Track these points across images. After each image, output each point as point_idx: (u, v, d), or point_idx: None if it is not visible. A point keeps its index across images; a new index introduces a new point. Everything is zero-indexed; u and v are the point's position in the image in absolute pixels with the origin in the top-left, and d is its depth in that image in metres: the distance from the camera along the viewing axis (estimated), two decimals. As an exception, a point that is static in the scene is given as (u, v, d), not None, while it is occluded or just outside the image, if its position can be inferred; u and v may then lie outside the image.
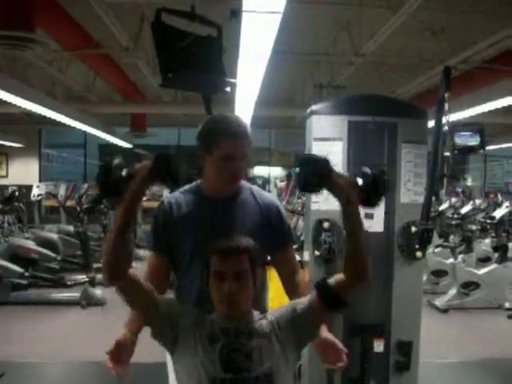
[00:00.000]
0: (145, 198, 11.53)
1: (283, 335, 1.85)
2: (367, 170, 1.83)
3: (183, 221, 2.13)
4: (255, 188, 2.28)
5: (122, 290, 1.79)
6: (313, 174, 1.73)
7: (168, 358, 2.02)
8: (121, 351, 2.05)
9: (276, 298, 2.43)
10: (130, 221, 1.75)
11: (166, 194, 10.07)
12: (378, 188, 1.80)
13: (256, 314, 1.90)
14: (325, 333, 2.06)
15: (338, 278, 1.83)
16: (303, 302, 1.89)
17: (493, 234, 8.44)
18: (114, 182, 1.71)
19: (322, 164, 1.73)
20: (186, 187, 2.24)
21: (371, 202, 1.82)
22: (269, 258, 2.27)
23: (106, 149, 16.15)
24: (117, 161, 1.74)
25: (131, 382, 4.36)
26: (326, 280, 1.85)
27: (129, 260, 1.78)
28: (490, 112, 7.90)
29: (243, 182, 2.24)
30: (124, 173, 1.72)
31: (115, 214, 1.99)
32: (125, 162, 1.75)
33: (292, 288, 2.21)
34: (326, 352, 2.04)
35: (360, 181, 1.79)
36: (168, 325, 1.83)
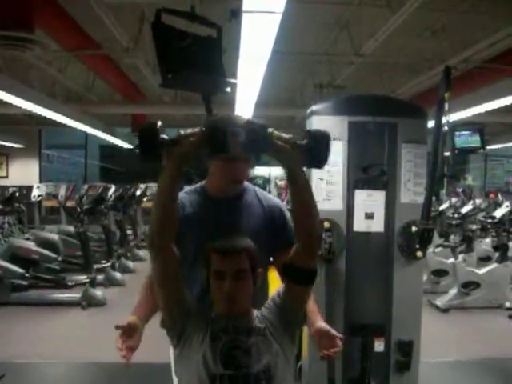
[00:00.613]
0: (145, 199, 11.58)
1: (276, 329, 1.87)
2: (311, 129, 1.83)
3: (187, 221, 2.13)
4: (259, 190, 2.29)
5: (163, 262, 1.80)
6: (253, 142, 1.69)
7: (172, 359, 2.02)
8: (131, 333, 2.02)
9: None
10: (175, 189, 1.76)
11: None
12: (322, 148, 1.77)
13: (255, 312, 1.92)
14: (320, 322, 2.08)
15: (293, 252, 1.84)
16: (279, 292, 1.91)
17: (493, 234, 8.44)
18: (157, 144, 1.68)
19: (260, 129, 1.71)
20: (191, 188, 2.25)
21: (316, 163, 1.80)
22: (271, 259, 2.27)
23: (107, 149, 16.16)
24: (160, 123, 1.72)
25: (136, 382, 4.39)
26: (286, 263, 1.85)
27: (175, 230, 1.79)
28: (491, 111, 7.90)
29: (247, 184, 2.24)
30: (166, 137, 1.69)
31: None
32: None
33: None
34: (321, 339, 2.05)
35: (304, 141, 1.75)
36: (181, 318, 1.85)
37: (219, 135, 1.66)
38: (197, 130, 1.70)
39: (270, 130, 1.72)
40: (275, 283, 2.29)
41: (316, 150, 1.75)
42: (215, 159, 2.06)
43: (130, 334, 2.00)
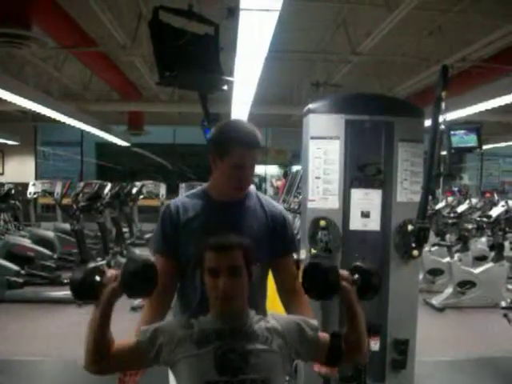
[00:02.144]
0: (141, 197, 11.58)
1: (287, 348, 1.85)
2: (361, 265, 1.93)
3: (189, 225, 2.12)
4: (262, 194, 2.29)
5: (109, 372, 1.87)
6: (323, 284, 1.83)
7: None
8: None
9: (271, 296, 2.43)
10: (106, 321, 1.78)
11: (162, 192, 9.94)
12: (373, 284, 1.91)
13: (253, 313, 1.89)
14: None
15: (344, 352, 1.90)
16: (312, 329, 1.91)
17: (489, 233, 8.46)
18: (87, 286, 1.74)
19: (333, 275, 1.83)
20: (193, 191, 2.24)
21: (367, 297, 1.91)
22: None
23: (103, 147, 16.12)
24: (91, 266, 1.81)
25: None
26: (340, 338, 1.91)
27: (109, 349, 1.81)
28: (487, 111, 7.91)
29: (250, 188, 2.24)
30: (98, 278, 1.75)
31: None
32: (98, 269, 1.80)
33: (288, 294, 2.21)
34: None
35: (356, 276, 1.88)
36: (156, 358, 1.84)
37: (131, 282, 1.73)
38: (119, 271, 1.76)
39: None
40: (271, 282, 2.28)
41: (368, 286, 1.90)
42: (222, 165, 2.08)
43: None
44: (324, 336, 1.90)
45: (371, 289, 1.90)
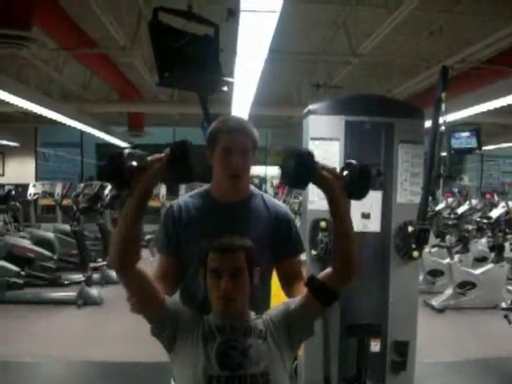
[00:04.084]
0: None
1: (278, 334, 1.86)
2: (353, 161, 1.85)
3: (192, 225, 2.12)
4: (266, 196, 2.27)
5: (129, 283, 1.81)
6: (298, 170, 1.73)
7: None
8: None
9: (274, 299, 2.42)
10: (140, 213, 1.75)
11: (163, 193, 9.91)
12: (363, 180, 1.81)
13: (252, 314, 1.91)
14: None
15: (326, 272, 1.86)
16: (296, 300, 1.91)
17: (489, 234, 8.46)
18: (125, 172, 1.68)
19: (307, 158, 1.74)
20: (195, 191, 2.23)
21: (357, 195, 1.83)
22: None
23: (103, 148, 16.13)
24: (128, 151, 1.73)
25: (131, 381, 4.38)
26: (315, 276, 1.86)
27: (138, 252, 1.79)
28: (487, 112, 7.91)
29: (253, 189, 2.24)
30: (135, 163, 1.69)
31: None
32: (134, 153, 1.73)
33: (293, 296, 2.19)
34: None
35: (345, 172, 1.80)
36: (169, 324, 1.84)
37: (179, 160, 1.68)
38: (162, 154, 1.71)
39: (316, 159, 1.76)
40: (278, 290, 2.27)
41: (357, 182, 1.80)
42: (215, 156, 2.05)
43: None
44: (306, 292, 1.87)
45: (360, 186, 1.81)
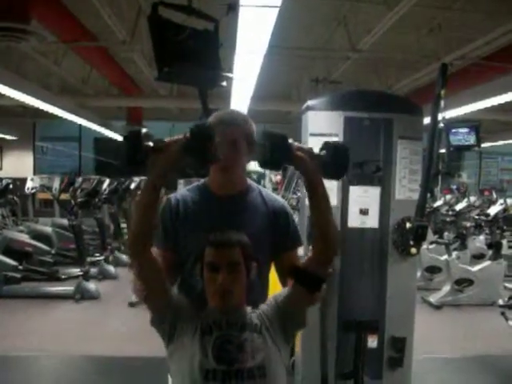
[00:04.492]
0: (139, 192, 11.56)
1: (272, 328, 1.87)
2: (331, 141, 1.85)
3: (190, 218, 2.12)
4: (264, 189, 2.26)
5: (141, 268, 1.81)
6: (273, 151, 1.73)
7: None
8: None
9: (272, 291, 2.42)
10: (156, 196, 1.75)
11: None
12: (339, 159, 1.81)
13: (248, 308, 1.91)
14: None
15: (308, 258, 1.89)
16: (283, 291, 1.93)
17: (487, 231, 8.47)
18: (141, 152, 1.66)
19: (280, 139, 1.74)
20: (193, 185, 2.23)
21: (333, 174, 1.83)
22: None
23: (102, 142, 16.09)
24: (145, 130, 1.71)
25: (128, 375, 4.39)
26: (296, 265, 1.88)
27: (151, 236, 1.81)
28: (486, 109, 7.91)
29: (251, 183, 2.23)
30: (151, 144, 1.67)
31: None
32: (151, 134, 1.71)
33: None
34: None
35: (323, 152, 1.79)
36: (170, 313, 1.85)
37: (201, 143, 1.65)
38: (181, 136, 1.69)
39: (290, 140, 1.76)
40: (276, 284, 2.27)
41: (333, 161, 1.79)
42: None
43: None
44: (292, 283, 1.89)
45: (338, 165, 1.81)
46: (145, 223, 1.76)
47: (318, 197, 1.81)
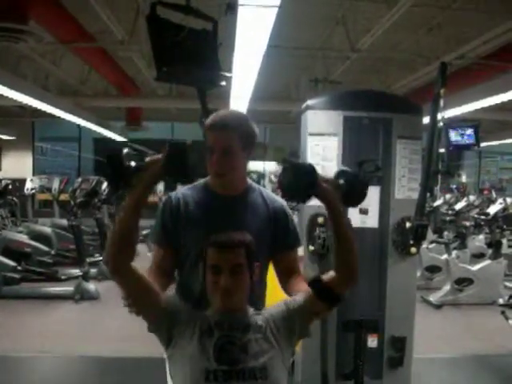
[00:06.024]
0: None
1: (278, 332, 1.85)
2: (347, 169, 1.87)
3: (190, 218, 2.10)
4: (264, 189, 2.26)
5: (124, 283, 1.79)
6: (299, 184, 1.72)
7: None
8: None
9: (272, 294, 2.42)
10: (137, 214, 1.74)
11: (160, 188, 9.80)
12: (358, 188, 1.84)
13: (251, 310, 1.90)
14: None
15: (331, 275, 1.85)
16: (297, 299, 1.89)
17: (487, 231, 8.47)
18: (123, 172, 1.67)
19: (309, 173, 1.73)
20: (194, 183, 2.22)
21: (354, 203, 1.87)
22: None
23: (101, 143, 16.08)
24: (126, 151, 1.71)
25: (127, 376, 4.38)
26: (320, 278, 1.86)
27: (133, 253, 1.78)
28: (486, 108, 7.90)
29: (251, 183, 2.22)
30: (133, 164, 1.68)
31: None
32: (133, 153, 1.72)
33: (290, 290, 2.18)
34: None
35: (341, 181, 1.81)
36: (165, 321, 1.83)
37: (176, 165, 1.65)
38: (160, 156, 1.68)
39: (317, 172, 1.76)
40: (274, 283, 2.27)
41: (353, 192, 1.83)
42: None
43: None
44: (308, 292, 1.87)
45: (357, 195, 1.84)
46: (126, 240, 1.74)
47: (343, 227, 1.81)
